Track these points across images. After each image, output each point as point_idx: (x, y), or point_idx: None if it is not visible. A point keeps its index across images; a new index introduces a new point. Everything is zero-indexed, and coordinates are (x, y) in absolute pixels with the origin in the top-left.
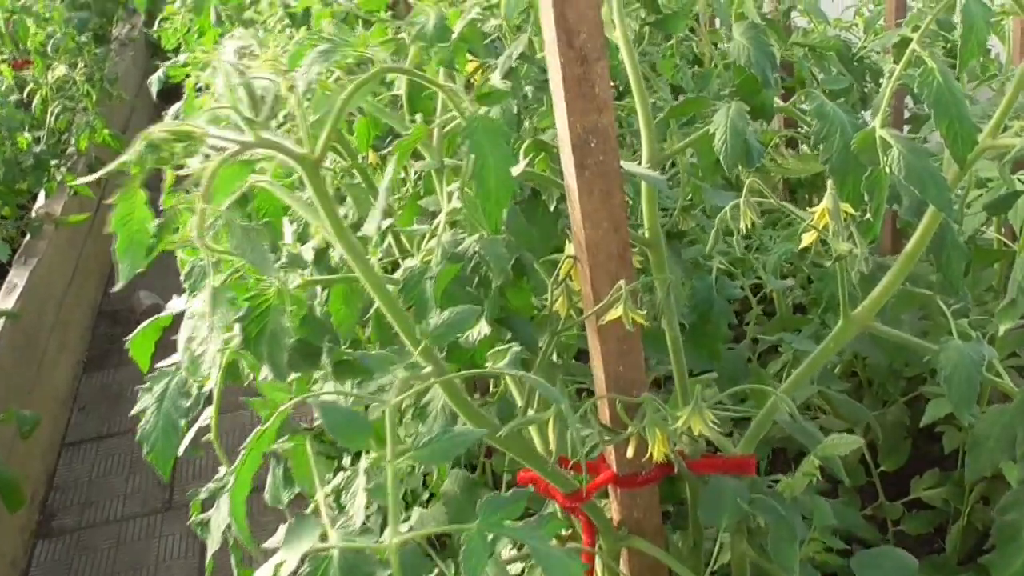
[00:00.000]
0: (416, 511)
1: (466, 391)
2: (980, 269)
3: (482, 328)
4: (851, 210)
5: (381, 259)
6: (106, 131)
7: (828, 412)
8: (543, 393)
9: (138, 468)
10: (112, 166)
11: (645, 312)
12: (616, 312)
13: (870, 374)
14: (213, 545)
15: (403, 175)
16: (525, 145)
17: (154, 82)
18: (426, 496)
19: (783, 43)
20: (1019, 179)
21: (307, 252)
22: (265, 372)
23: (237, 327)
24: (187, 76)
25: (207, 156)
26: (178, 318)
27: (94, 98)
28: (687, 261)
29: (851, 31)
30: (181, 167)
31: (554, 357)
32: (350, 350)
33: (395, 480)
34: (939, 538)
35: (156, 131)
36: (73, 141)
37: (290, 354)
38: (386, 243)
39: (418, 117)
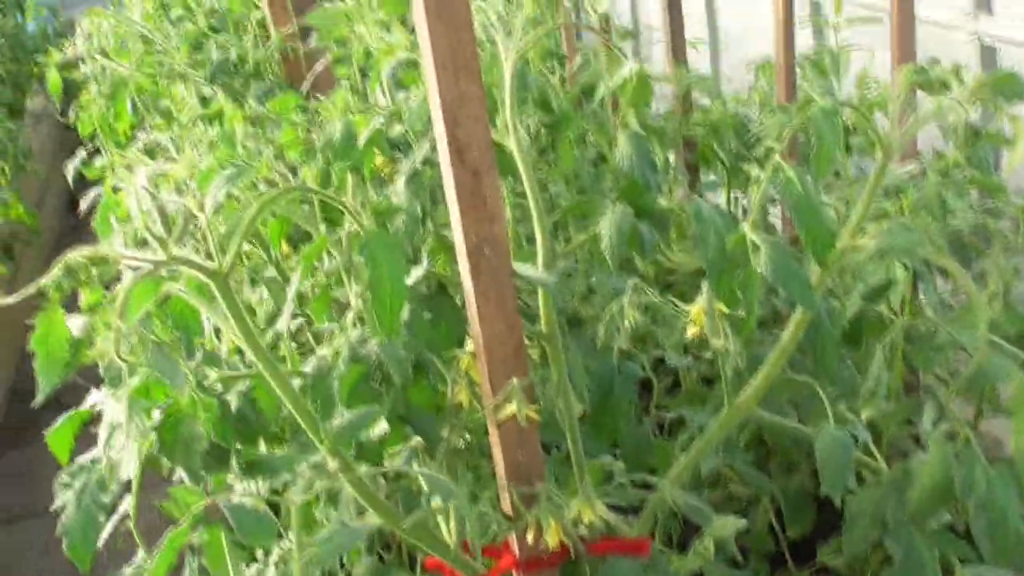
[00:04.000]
0: None
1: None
2: (873, 342)
3: (383, 426)
4: (725, 309)
5: (300, 347)
6: (20, 206)
7: (736, 481)
8: (437, 488)
9: (51, 549)
10: (30, 289)
11: (540, 405)
12: (511, 409)
13: (776, 441)
14: None
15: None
16: (429, 246)
17: (70, 171)
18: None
19: (684, 124)
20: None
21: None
22: (178, 474)
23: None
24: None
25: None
26: (97, 411)
27: (8, 172)
28: (589, 343)
29: (749, 107)
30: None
31: (465, 443)
32: (263, 451)
33: (302, 572)
34: None
35: (73, 256)
36: None
37: (203, 456)
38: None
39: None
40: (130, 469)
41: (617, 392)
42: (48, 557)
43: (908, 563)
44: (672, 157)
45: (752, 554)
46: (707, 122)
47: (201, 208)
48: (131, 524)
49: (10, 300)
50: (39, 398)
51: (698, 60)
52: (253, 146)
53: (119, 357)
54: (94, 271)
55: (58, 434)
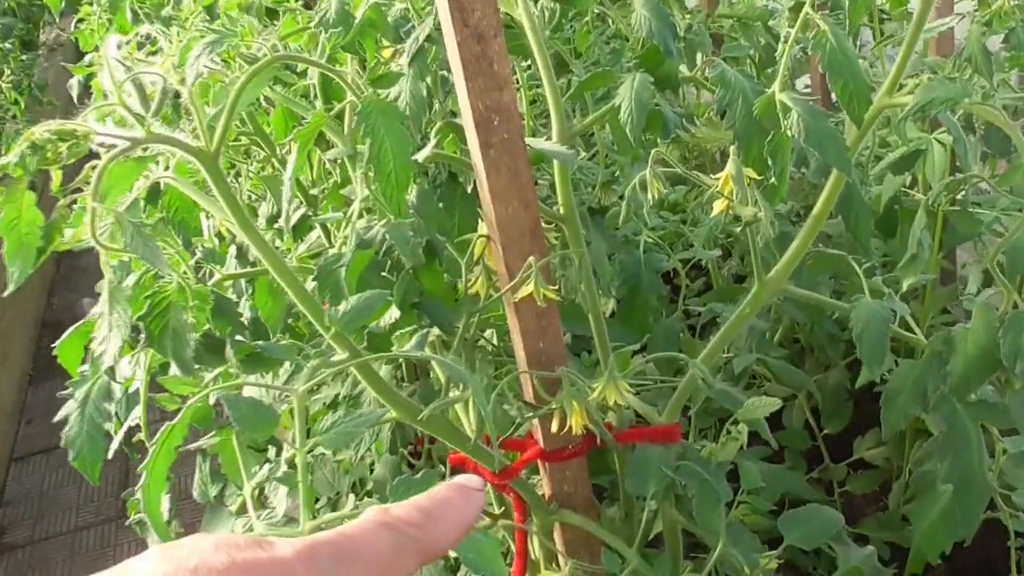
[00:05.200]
0: (351, 499)
1: (401, 379)
2: (908, 229)
3: (394, 313)
4: (755, 174)
5: (311, 251)
6: None
7: (771, 380)
8: (450, 373)
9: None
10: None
11: (561, 287)
12: (528, 288)
13: (810, 340)
14: (152, 542)
15: (327, 166)
16: (437, 127)
17: (74, 86)
18: (371, 486)
19: (684, 12)
20: (937, 139)
21: (232, 248)
22: (172, 368)
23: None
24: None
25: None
26: None
27: (23, 105)
28: (617, 237)
29: (778, 0)
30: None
31: (492, 342)
32: (259, 342)
33: (305, 467)
34: (884, 496)
35: (39, 131)
36: (3, 150)
37: (196, 348)
38: (316, 237)
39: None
40: (135, 365)
41: (645, 284)
42: (86, 484)
43: (951, 437)
44: (699, 57)
45: (788, 452)
46: (734, 15)
47: (182, 81)
48: (143, 436)
49: None
50: (10, 289)
51: None
52: (241, 22)
53: (96, 242)
54: (63, 148)
55: (67, 346)
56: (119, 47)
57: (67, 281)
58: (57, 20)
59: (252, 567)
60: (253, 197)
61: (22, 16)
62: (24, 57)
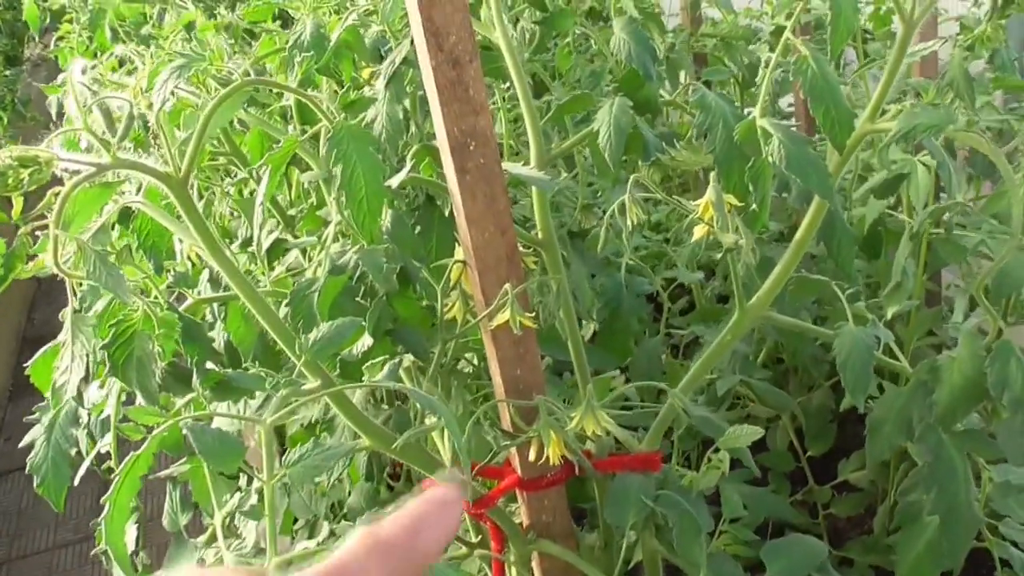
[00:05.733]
0: (326, 526)
1: (380, 399)
2: (892, 250)
3: (367, 340)
4: (735, 201)
5: (292, 272)
6: None
7: (755, 401)
8: (423, 404)
9: (69, 495)
10: None
11: (538, 314)
12: (504, 316)
13: (794, 360)
14: (117, 573)
15: (305, 186)
16: (413, 150)
17: (53, 104)
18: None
19: (663, 34)
20: (921, 161)
21: (205, 272)
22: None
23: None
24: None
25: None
26: None
27: (6, 121)
28: (599, 259)
29: (761, 19)
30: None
31: (473, 362)
32: (230, 370)
33: (273, 503)
34: (869, 518)
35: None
36: None
37: (163, 377)
38: (294, 257)
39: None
40: (109, 392)
41: (626, 307)
42: (69, 501)
43: (937, 468)
44: (682, 75)
45: (772, 473)
46: (717, 35)
47: (150, 106)
48: (112, 463)
49: None
50: None
51: None
52: (214, 45)
53: (60, 270)
54: (24, 175)
55: (40, 366)
56: (84, 72)
57: (48, 297)
58: (37, 38)
59: None
60: (234, 214)
61: (6, 31)
62: (8, 72)
